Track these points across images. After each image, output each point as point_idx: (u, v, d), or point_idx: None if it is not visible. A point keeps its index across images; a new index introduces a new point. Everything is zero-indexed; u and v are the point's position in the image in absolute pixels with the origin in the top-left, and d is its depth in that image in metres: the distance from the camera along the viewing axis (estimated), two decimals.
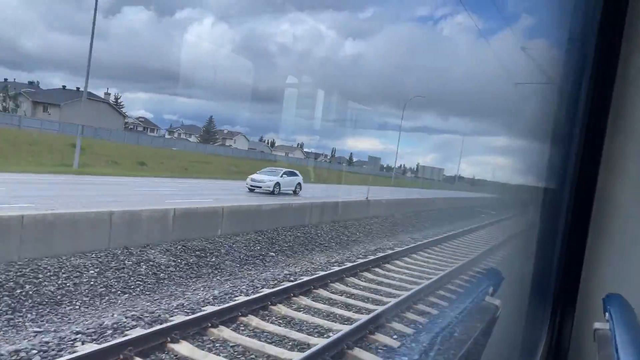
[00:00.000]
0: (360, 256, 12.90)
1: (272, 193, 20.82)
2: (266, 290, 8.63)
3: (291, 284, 9.14)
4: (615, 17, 1.81)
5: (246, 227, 13.13)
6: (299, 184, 23.10)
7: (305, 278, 9.73)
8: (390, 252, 13.62)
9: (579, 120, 1.88)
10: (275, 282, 9.57)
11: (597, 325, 1.57)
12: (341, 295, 9.18)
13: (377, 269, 11.52)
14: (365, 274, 11.01)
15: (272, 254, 12.20)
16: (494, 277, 1.63)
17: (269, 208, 14.74)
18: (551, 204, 2.05)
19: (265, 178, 21.54)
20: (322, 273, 10.30)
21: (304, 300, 8.56)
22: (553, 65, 2.26)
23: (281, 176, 22.12)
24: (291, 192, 22.46)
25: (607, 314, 1.54)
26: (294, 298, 8.56)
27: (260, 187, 21.00)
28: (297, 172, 23.52)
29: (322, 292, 9.18)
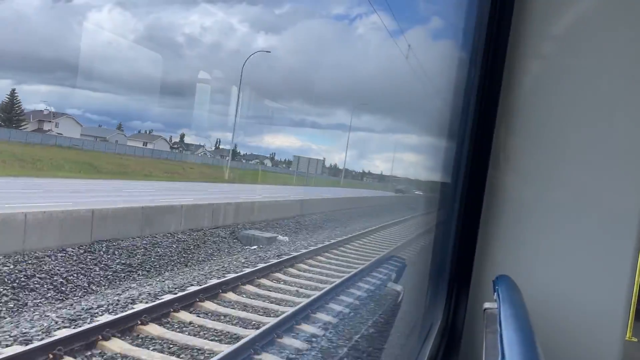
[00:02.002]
0: None
1: None
2: None
3: None
4: (500, 23, 1.99)
5: None
6: None
7: None
8: None
9: (470, 120, 2.06)
10: None
11: (486, 305, 1.73)
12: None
13: None
14: None
15: None
16: (397, 266, 1.75)
17: None
18: (449, 197, 2.22)
19: None
20: None
21: None
22: (450, 67, 2.45)
23: None
24: None
25: (495, 294, 1.70)
26: None
27: None
28: None
29: None
